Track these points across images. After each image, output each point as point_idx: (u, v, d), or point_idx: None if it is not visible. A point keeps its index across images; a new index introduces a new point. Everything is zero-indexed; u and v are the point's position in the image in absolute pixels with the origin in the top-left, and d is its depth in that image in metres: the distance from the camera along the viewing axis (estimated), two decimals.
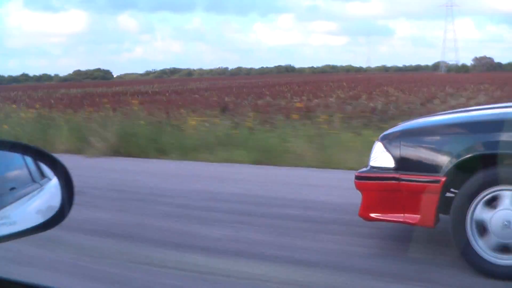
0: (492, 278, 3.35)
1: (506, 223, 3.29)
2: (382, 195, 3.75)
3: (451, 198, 3.58)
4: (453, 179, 3.49)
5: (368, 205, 3.82)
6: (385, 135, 3.88)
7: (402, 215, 3.67)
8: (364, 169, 3.95)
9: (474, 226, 3.39)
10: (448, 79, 37.29)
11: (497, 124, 3.52)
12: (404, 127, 3.93)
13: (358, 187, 3.89)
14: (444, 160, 3.50)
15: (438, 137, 3.67)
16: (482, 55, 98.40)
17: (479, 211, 3.38)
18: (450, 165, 3.46)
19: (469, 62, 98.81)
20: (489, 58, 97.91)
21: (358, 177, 3.88)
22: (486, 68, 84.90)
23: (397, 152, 3.68)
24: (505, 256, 3.34)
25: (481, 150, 3.43)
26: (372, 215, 3.81)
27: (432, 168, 3.55)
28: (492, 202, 3.36)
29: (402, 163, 3.66)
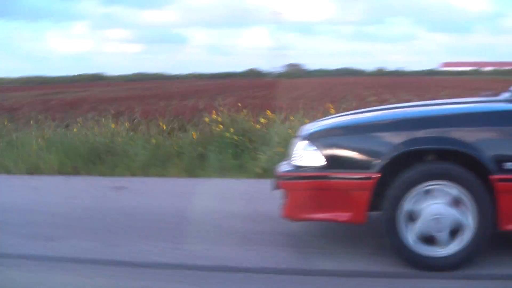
0: (419, 269, 3.44)
1: (436, 216, 3.40)
2: (310, 194, 3.63)
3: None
4: (384, 175, 3.50)
5: (295, 205, 3.69)
6: (311, 133, 3.78)
7: (332, 213, 3.61)
8: (287, 168, 3.82)
9: (405, 219, 3.44)
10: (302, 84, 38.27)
11: (429, 121, 3.64)
12: (333, 125, 3.86)
13: (284, 187, 3.75)
14: (376, 156, 3.50)
15: (369, 134, 3.64)
16: (292, 61, 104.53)
17: (412, 205, 3.44)
18: (384, 162, 3.47)
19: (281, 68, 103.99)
20: (299, 64, 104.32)
21: (283, 177, 3.74)
22: (296, 74, 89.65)
23: (326, 150, 3.61)
24: (431, 248, 3.45)
25: (414, 146, 3.47)
26: (300, 215, 3.70)
27: (364, 165, 3.53)
28: (425, 196, 3.44)
29: (332, 161, 3.59)
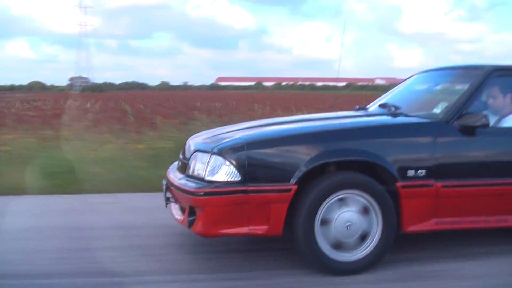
0: (332, 274, 3.58)
1: (347, 223, 3.56)
2: (227, 210, 3.50)
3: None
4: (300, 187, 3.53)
5: (210, 221, 3.52)
6: (224, 147, 3.62)
7: (249, 227, 3.53)
8: (196, 184, 3.62)
9: (320, 227, 3.53)
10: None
11: (344, 133, 3.79)
12: (248, 138, 3.72)
13: (197, 203, 3.55)
14: (294, 168, 3.51)
15: (287, 147, 3.61)
16: (77, 75, 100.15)
17: (326, 213, 3.54)
18: (301, 173, 3.50)
19: (65, 82, 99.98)
20: (85, 78, 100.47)
21: (197, 193, 3.53)
22: (82, 88, 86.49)
23: (243, 164, 3.51)
24: (342, 253, 3.60)
25: (332, 157, 3.58)
26: (215, 231, 3.54)
27: (282, 178, 3.51)
28: (338, 204, 3.57)
29: (250, 175, 3.50)
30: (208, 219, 3.53)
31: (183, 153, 4.27)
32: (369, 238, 3.62)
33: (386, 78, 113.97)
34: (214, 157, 3.61)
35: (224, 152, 3.59)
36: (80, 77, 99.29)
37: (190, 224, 3.65)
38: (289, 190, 3.48)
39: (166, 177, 4.27)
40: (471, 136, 3.84)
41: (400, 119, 4.08)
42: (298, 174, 3.49)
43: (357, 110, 4.82)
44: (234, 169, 3.51)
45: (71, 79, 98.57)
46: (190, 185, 3.64)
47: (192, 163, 3.85)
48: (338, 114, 4.81)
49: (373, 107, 4.90)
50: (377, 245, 3.61)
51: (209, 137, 4.15)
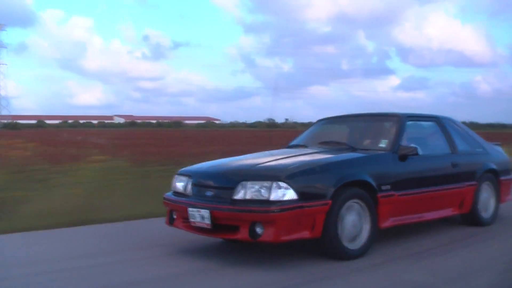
0: (345, 260, 4.99)
1: (353, 222, 5.11)
2: (291, 221, 4.62)
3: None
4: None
5: (281, 231, 4.60)
6: (282, 176, 4.73)
7: (300, 233, 4.73)
8: (267, 204, 4.63)
9: (340, 226, 4.98)
10: None
11: (347, 163, 5.32)
12: (296, 168, 4.89)
13: (270, 218, 4.59)
14: (328, 188, 4.88)
15: (323, 174, 4.96)
16: None
17: (342, 216, 5.01)
18: (333, 191, 4.88)
19: None
20: None
21: (270, 211, 4.57)
22: None
23: (299, 187, 4.71)
24: (354, 243, 5.12)
25: (347, 179, 5.04)
26: (282, 238, 4.63)
27: (322, 195, 4.84)
28: (348, 210, 5.07)
29: (303, 195, 4.71)
30: (279, 229, 4.61)
31: (200, 183, 5.26)
32: (363, 231, 5.18)
33: (125, 116, 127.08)
34: (276, 183, 4.70)
35: (285, 179, 4.73)
36: None
37: (255, 236, 4.68)
38: (327, 204, 4.83)
39: (179, 204, 5.32)
40: (407, 161, 5.72)
41: (369, 152, 5.72)
42: (331, 192, 4.87)
43: (299, 147, 6.45)
44: (293, 191, 4.69)
45: None
46: (259, 205, 4.67)
47: (239, 190, 4.83)
48: (310, 150, 6.13)
49: (313, 145, 6.41)
50: (368, 237, 5.20)
51: (236, 167, 5.30)
